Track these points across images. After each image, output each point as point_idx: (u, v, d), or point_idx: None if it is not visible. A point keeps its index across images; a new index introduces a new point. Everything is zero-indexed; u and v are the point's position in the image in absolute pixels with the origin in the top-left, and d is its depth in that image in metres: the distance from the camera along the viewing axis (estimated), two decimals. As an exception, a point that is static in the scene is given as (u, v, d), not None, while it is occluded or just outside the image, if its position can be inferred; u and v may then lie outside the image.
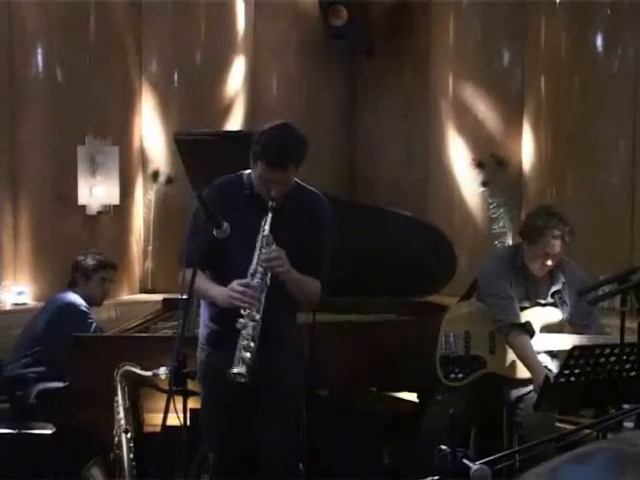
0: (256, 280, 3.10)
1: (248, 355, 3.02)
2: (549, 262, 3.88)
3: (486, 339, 4.01)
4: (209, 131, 5.53)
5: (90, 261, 4.81)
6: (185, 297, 2.97)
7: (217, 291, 3.20)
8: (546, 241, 3.84)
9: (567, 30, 6.18)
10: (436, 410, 4.00)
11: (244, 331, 3.04)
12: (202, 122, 6.77)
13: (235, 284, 3.10)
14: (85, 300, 4.72)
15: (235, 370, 3.00)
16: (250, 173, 3.26)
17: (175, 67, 7.08)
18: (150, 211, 7.04)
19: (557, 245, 3.84)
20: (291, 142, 3.18)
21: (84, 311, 4.66)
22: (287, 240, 3.17)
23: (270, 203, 3.14)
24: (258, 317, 3.07)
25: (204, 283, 3.20)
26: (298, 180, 3.31)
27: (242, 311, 3.07)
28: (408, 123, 7.98)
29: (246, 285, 3.09)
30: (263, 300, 3.10)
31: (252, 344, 3.03)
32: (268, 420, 3.29)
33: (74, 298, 4.72)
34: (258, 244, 3.13)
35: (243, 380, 3.01)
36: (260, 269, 3.12)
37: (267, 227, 3.13)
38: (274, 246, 3.13)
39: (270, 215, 3.14)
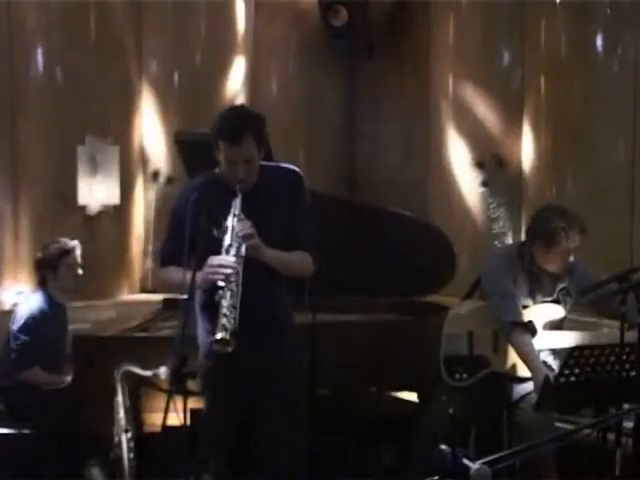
0: (231, 253, 3.07)
1: (229, 322, 2.97)
2: (567, 259, 3.89)
3: (489, 338, 3.99)
4: (209, 131, 5.51)
5: (51, 251, 4.69)
6: (185, 297, 2.97)
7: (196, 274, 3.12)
8: (561, 242, 3.84)
9: (567, 30, 6.18)
10: (436, 410, 4.00)
11: (223, 300, 3.00)
12: (202, 122, 6.72)
13: (210, 260, 3.07)
14: (60, 292, 4.66)
15: (218, 336, 2.96)
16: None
17: (175, 67, 7.07)
18: (150, 211, 7.04)
19: (574, 243, 3.86)
20: (245, 115, 3.29)
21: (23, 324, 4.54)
22: (262, 223, 3.14)
23: (237, 186, 3.13)
24: (236, 287, 3.03)
25: (184, 274, 3.14)
26: (263, 162, 3.29)
27: (220, 283, 3.03)
28: (408, 123, 7.98)
29: (221, 259, 3.06)
30: (241, 272, 3.06)
31: (232, 311, 2.99)
32: (270, 420, 3.29)
33: (29, 304, 4.63)
34: (230, 224, 3.10)
35: (228, 349, 2.96)
36: (234, 243, 3.08)
37: (237, 210, 3.11)
38: (247, 222, 3.11)
39: (239, 197, 3.12)
